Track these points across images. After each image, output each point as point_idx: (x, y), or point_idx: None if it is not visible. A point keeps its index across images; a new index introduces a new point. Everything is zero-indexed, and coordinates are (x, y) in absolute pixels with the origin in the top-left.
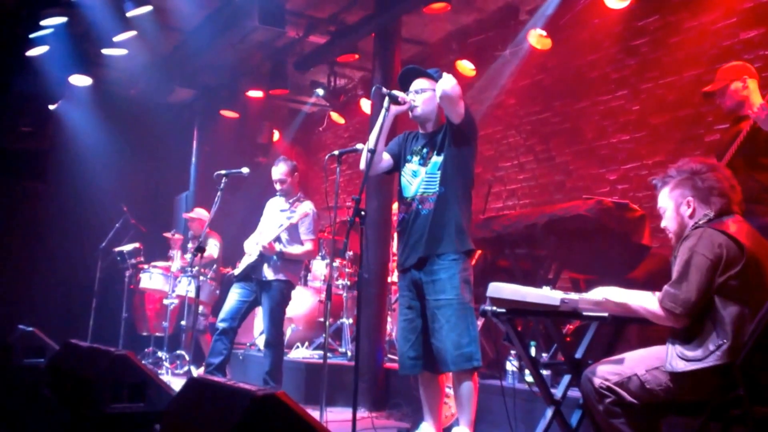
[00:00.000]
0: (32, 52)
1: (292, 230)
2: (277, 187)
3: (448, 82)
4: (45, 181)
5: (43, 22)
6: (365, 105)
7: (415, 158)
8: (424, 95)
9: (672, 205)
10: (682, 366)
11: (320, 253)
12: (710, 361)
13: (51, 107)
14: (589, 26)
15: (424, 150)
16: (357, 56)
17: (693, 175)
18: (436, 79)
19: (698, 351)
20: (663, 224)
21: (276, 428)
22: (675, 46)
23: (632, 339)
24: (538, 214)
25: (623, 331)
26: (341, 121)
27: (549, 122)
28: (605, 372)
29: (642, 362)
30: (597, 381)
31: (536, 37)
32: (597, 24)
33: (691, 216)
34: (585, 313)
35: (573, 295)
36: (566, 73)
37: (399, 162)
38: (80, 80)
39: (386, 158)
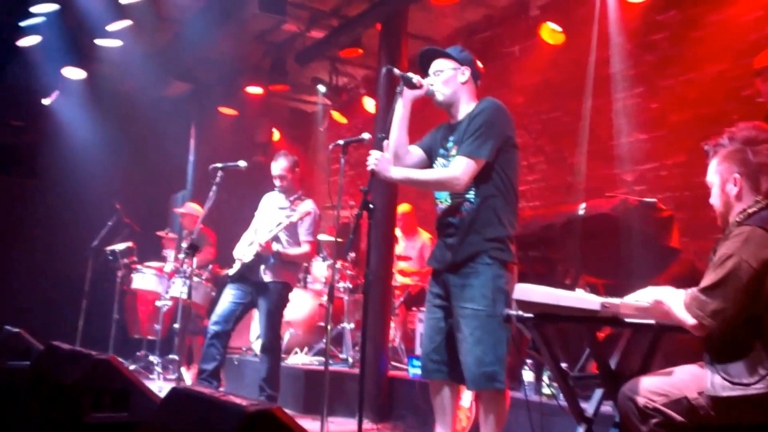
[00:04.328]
0: (23, 42)
1: (292, 230)
2: (277, 183)
3: None
4: (36, 177)
5: (33, 9)
6: (368, 104)
7: (443, 153)
8: (442, 77)
9: (718, 180)
10: (726, 392)
11: (321, 254)
12: (760, 387)
13: (44, 101)
14: (605, 21)
15: (449, 144)
16: (361, 51)
17: (745, 145)
18: (456, 58)
19: (744, 374)
20: (711, 200)
21: None
22: (696, 40)
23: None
24: (556, 214)
25: (662, 339)
26: (343, 120)
27: (560, 121)
28: (649, 391)
29: (693, 383)
30: (641, 400)
31: (548, 32)
32: (613, 18)
33: (738, 197)
34: (627, 320)
35: (614, 300)
36: (579, 69)
37: (432, 157)
38: (73, 73)
39: (416, 153)
